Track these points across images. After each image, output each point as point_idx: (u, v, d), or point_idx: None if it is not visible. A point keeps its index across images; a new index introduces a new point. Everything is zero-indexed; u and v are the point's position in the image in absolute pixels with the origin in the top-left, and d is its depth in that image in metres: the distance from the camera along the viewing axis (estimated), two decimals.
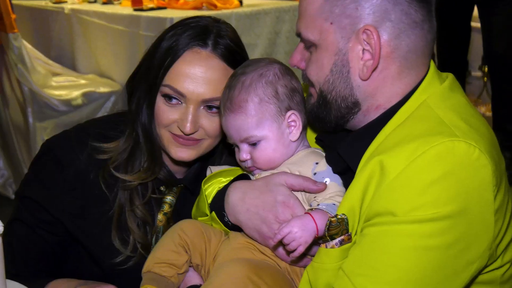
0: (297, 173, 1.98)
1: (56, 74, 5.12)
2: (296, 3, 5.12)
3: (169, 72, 2.13)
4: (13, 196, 4.85)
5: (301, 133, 2.05)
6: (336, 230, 1.78)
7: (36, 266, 2.28)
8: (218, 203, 2.05)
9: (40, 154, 2.29)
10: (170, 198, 2.31)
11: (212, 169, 2.19)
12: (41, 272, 2.28)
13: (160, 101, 2.15)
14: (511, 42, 5.70)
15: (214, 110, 2.14)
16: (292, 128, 2.03)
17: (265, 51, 4.85)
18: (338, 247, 1.79)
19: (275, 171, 2.02)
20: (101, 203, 2.22)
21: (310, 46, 1.91)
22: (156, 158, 2.24)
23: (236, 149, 2.08)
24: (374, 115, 1.90)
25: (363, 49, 1.83)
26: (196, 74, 2.11)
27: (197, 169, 2.35)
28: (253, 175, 2.07)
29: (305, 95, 2.08)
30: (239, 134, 2.01)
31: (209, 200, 2.08)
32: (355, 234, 1.79)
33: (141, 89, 2.20)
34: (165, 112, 2.15)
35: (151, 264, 1.98)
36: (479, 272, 1.78)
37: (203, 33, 2.16)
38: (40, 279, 2.25)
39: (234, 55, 2.18)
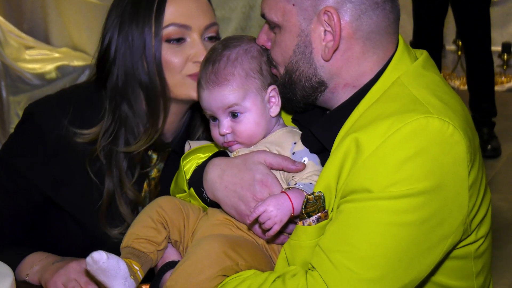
0: (276, 152, 2.00)
1: (29, 48, 5.08)
2: None
3: (166, 14, 2.15)
4: None
5: (280, 110, 2.06)
6: (313, 207, 1.80)
7: (8, 230, 2.28)
8: (197, 180, 2.05)
9: (22, 120, 2.28)
10: (156, 163, 2.31)
11: (191, 144, 2.19)
12: (14, 236, 2.30)
13: (165, 49, 2.16)
14: (483, 20, 5.77)
15: (214, 40, 2.22)
16: (272, 104, 2.04)
17: (239, 25, 4.85)
18: (315, 224, 1.81)
19: (253, 149, 2.03)
20: (86, 186, 2.22)
21: (274, 27, 1.93)
22: (157, 121, 2.23)
23: (212, 125, 2.07)
24: (343, 93, 1.92)
25: (325, 30, 1.85)
26: (190, 5, 2.18)
27: (184, 133, 2.37)
28: (230, 151, 2.08)
29: None
30: (222, 104, 2.01)
31: (188, 176, 2.09)
32: (332, 211, 1.81)
33: (130, 55, 2.17)
34: (176, 54, 2.17)
35: (130, 239, 1.98)
36: (454, 247, 1.81)
37: None
38: (17, 246, 2.27)
39: None
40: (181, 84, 2.19)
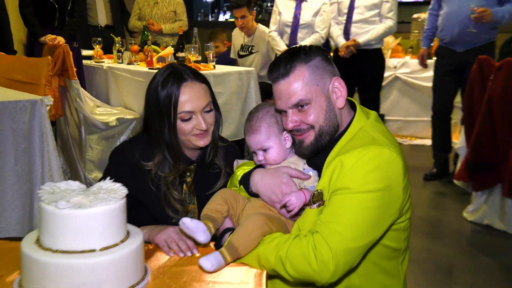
0: (293, 167, 2.05)
1: (98, 106, 5.10)
2: (250, 69, 5.07)
3: (179, 106, 2.09)
4: None
5: (291, 143, 2.11)
6: (316, 198, 1.86)
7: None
8: (245, 180, 2.07)
9: (111, 156, 2.27)
10: (189, 174, 2.30)
11: (238, 162, 2.25)
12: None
13: (180, 123, 2.15)
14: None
15: (208, 112, 2.14)
16: (286, 140, 2.11)
17: (230, 96, 4.88)
18: (317, 208, 1.86)
19: (280, 165, 2.08)
20: (150, 193, 2.22)
21: (303, 105, 1.90)
22: (179, 159, 2.21)
23: (254, 155, 2.14)
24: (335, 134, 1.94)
25: (337, 89, 1.92)
26: (194, 96, 2.10)
27: (202, 154, 2.33)
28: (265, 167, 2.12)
29: None
30: (257, 145, 2.09)
31: (239, 178, 2.12)
32: (326, 200, 1.85)
33: (157, 124, 2.15)
34: (187, 126, 2.15)
35: (206, 210, 1.98)
36: (393, 223, 1.87)
37: (180, 72, 2.15)
38: None
39: (201, 75, 2.19)
40: (189, 140, 2.17)
